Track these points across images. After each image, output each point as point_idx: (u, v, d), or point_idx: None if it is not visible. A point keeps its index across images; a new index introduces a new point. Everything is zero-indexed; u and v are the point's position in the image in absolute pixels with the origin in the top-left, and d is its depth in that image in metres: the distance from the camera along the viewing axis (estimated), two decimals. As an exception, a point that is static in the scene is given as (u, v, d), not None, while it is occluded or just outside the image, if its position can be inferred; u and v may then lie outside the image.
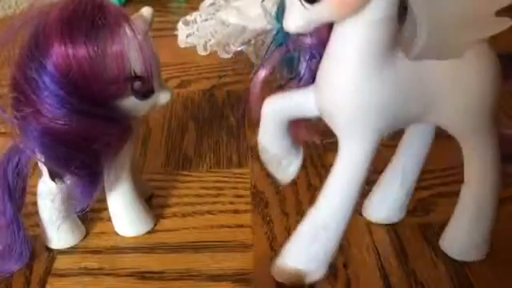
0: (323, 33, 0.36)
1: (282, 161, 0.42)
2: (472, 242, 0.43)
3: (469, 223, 0.42)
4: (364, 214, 0.48)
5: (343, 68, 0.35)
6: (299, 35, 0.37)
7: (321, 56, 0.37)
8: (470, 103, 0.37)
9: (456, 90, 0.36)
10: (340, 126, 0.37)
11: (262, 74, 0.40)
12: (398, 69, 0.35)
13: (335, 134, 0.38)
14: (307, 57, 0.38)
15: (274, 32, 0.40)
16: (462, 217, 0.42)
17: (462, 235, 0.43)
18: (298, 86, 0.39)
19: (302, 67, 0.39)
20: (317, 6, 0.32)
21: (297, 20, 0.33)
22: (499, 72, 0.37)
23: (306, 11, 0.32)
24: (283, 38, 0.39)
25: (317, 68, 0.37)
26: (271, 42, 0.40)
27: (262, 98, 0.40)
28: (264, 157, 0.42)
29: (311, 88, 0.38)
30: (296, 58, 0.39)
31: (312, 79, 0.38)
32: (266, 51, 0.41)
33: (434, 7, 0.33)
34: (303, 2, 0.32)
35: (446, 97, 0.36)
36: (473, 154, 0.40)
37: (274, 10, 0.40)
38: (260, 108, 0.40)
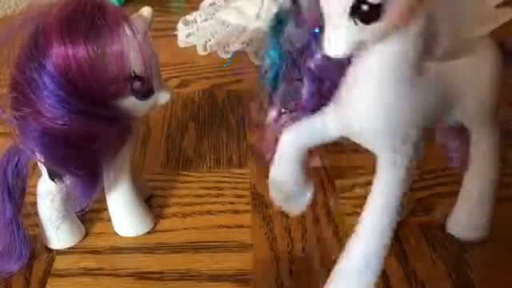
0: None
1: (294, 192, 0.40)
2: (473, 222, 0.44)
3: (470, 206, 0.44)
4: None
5: (378, 84, 0.32)
6: (298, 55, 0.36)
7: (324, 78, 0.35)
8: (483, 95, 0.38)
9: (470, 85, 0.37)
10: (378, 141, 0.35)
11: (274, 113, 0.39)
12: (426, 73, 0.33)
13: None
14: (310, 80, 0.37)
15: (270, 49, 0.38)
16: (465, 200, 0.44)
17: (465, 217, 0.44)
18: (304, 110, 0.38)
19: (306, 91, 0.37)
20: (374, 24, 0.28)
21: (345, 43, 0.29)
22: (502, 62, 0.38)
23: (359, 32, 0.29)
24: (279, 56, 0.38)
25: (319, 91, 0.36)
26: (267, 66, 0.39)
27: (277, 136, 0.38)
28: (275, 189, 0.40)
29: (327, 111, 0.36)
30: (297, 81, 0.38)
31: (317, 102, 0.37)
32: (263, 72, 0.39)
33: (451, 4, 0.32)
34: (358, 22, 0.28)
35: (464, 94, 0.37)
36: (482, 140, 0.41)
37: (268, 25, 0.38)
38: (274, 146, 0.38)
